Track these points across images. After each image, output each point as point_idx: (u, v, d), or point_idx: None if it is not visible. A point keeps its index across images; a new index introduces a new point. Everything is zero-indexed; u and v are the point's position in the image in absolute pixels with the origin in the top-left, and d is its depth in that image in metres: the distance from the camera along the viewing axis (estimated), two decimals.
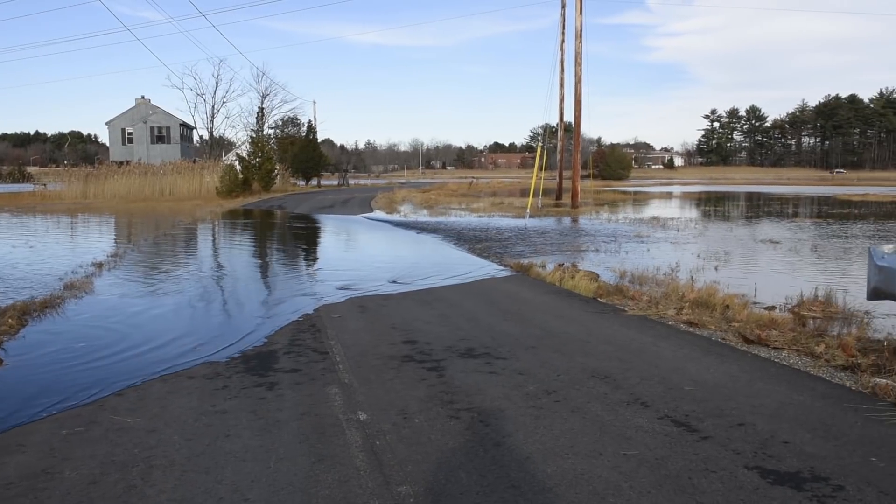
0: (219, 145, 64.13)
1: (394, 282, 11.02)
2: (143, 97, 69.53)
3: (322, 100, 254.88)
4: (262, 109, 58.71)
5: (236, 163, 44.96)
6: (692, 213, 30.97)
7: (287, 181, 59.09)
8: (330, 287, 10.54)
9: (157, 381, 5.82)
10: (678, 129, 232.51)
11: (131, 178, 42.68)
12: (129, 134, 69.03)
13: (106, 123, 70.11)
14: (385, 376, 5.87)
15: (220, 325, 8.04)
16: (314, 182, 65.99)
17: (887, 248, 6.53)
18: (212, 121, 60.81)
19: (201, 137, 66.70)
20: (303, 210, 31.53)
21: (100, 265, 12.90)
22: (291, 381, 5.77)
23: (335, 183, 70.76)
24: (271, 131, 68.97)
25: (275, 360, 6.40)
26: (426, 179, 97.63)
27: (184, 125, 69.92)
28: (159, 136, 69.19)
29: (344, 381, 5.74)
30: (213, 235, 20.77)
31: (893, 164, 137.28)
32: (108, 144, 73.09)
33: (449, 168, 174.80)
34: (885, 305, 8.27)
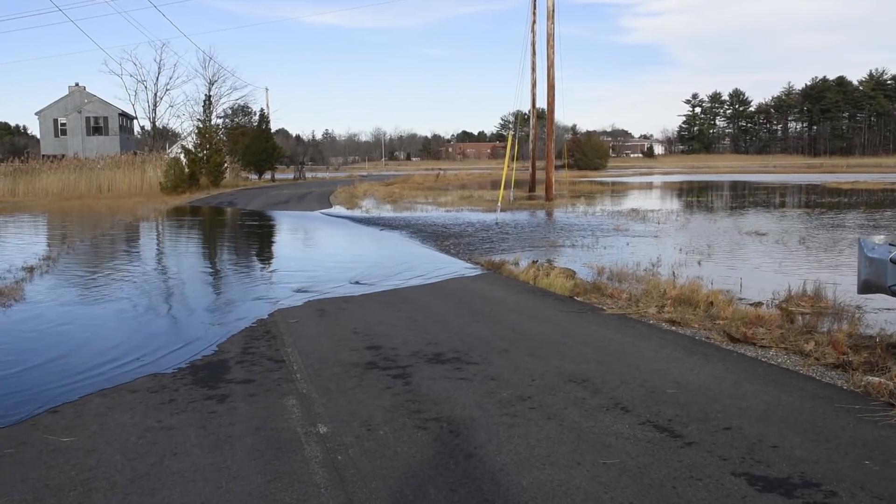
0: (162, 137, 63.19)
1: (356, 283, 11.01)
2: (77, 84, 68.25)
3: (275, 87, 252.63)
4: (209, 97, 57.92)
5: (182, 156, 44.34)
6: (673, 204, 31.35)
7: (238, 175, 58.53)
8: (286, 290, 10.48)
9: (96, 396, 5.72)
10: (658, 116, 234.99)
11: (65, 173, 41.93)
12: (63, 125, 67.75)
13: (36, 114, 68.69)
14: (347, 385, 5.84)
15: (166, 333, 7.94)
16: (268, 176, 65.40)
17: (878, 238, 6.66)
18: (154, 110, 59.84)
19: (143, 128, 65.59)
20: (256, 206, 31.24)
21: (31, 269, 12.65)
22: (245, 392, 5.71)
23: (291, 177, 70.23)
24: (220, 121, 68.17)
25: (226, 371, 6.33)
26: (390, 172, 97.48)
27: (123, 115, 68.78)
28: (96, 128, 67.98)
29: (302, 391, 5.71)
30: (158, 235, 20.49)
31: (884, 149, 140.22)
32: (38, 137, 71.62)
33: (414, 159, 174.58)
34: (877, 299, 8.45)
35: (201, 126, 50.45)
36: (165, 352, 7.04)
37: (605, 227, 19.52)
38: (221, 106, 65.15)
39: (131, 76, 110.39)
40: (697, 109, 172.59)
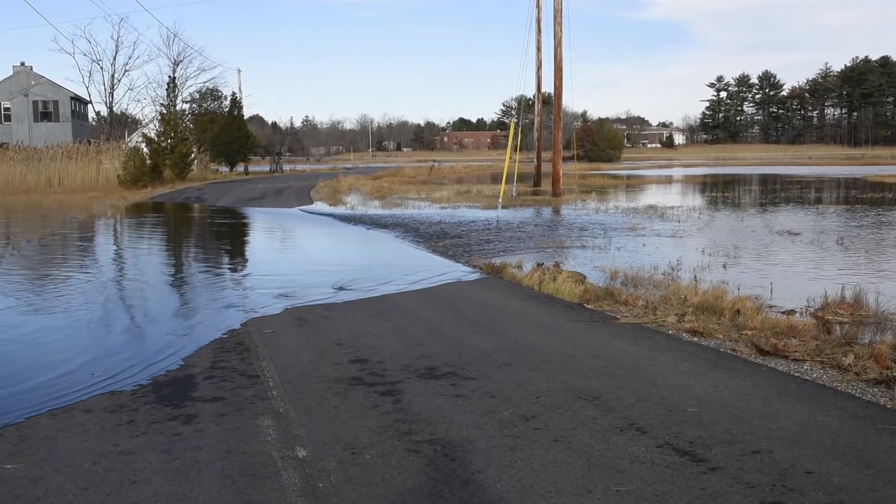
0: (121, 124, 63.14)
1: (340, 288, 11.03)
2: (23, 64, 68.08)
3: (249, 68, 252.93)
4: (173, 80, 57.98)
5: (143, 145, 44.32)
6: (696, 200, 31.44)
7: (206, 168, 58.51)
8: (261, 296, 10.49)
9: (45, 417, 5.71)
10: (678, 101, 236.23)
11: (9, 164, 41.84)
12: (6, 110, 67.58)
13: None
14: (329, 403, 5.85)
15: (126, 345, 7.93)
16: (240, 168, 65.40)
17: None
18: (111, 94, 59.85)
19: (98, 114, 65.59)
20: (227, 202, 31.22)
21: None
22: (214, 412, 5.71)
23: (266, 169, 70.18)
24: (186, 106, 68.22)
25: (193, 387, 6.33)
26: (378, 164, 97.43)
27: (76, 99, 68.65)
28: (44, 113, 67.83)
29: (279, 410, 5.71)
30: (116, 235, 20.46)
31: None
32: None
33: (405, 150, 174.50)
34: None
35: (165, 112, 50.47)
36: (124, 366, 7.02)
37: (619, 226, 19.57)
38: (188, 89, 65.20)
39: (85, 55, 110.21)
40: (723, 94, 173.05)
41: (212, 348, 7.65)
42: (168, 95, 56.88)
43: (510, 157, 26.33)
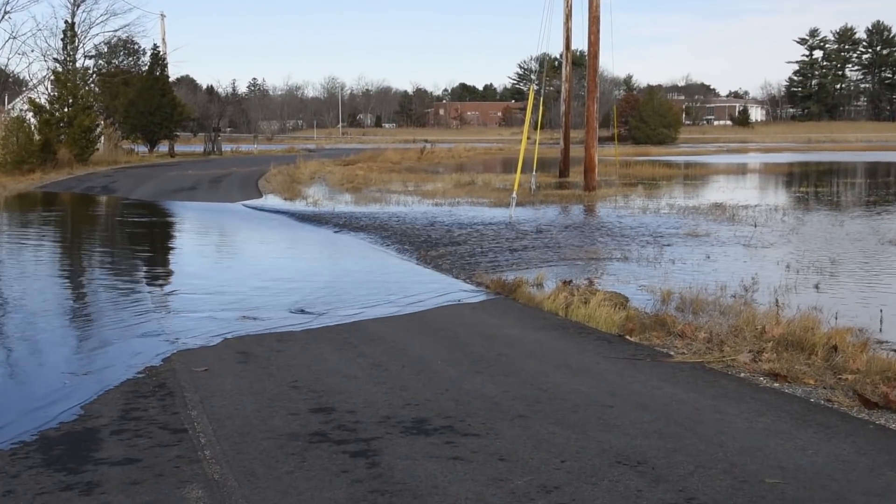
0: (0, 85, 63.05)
1: (298, 311, 11.06)
2: None
3: (176, 13, 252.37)
4: (72, 26, 57.78)
5: (30, 116, 44.25)
6: (778, 197, 31.46)
7: (117, 147, 58.38)
8: (191, 321, 10.47)
9: None
10: (756, 64, 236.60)
11: None
12: None
13: None
14: (281, 468, 5.84)
15: (2, 389, 7.90)
16: (164, 148, 65.31)
17: None
18: None
19: None
20: (145, 194, 31.17)
21: None
22: (124, 478, 5.69)
23: (199, 150, 70.10)
24: (90, 63, 68.03)
25: (96, 445, 6.30)
26: (350, 144, 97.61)
27: None
28: None
29: (213, 476, 5.69)
30: None
31: None
32: None
33: (387, 125, 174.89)
34: None
35: (60, 71, 50.27)
36: (1, 418, 7.00)
37: (674, 232, 19.61)
38: (92, 40, 65.07)
39: None
40: (817, 54, 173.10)
41: (122, 392, 7.62)
42: (65, 48, 56.60)
43: (528, 138, 26.33)
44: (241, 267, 15.68)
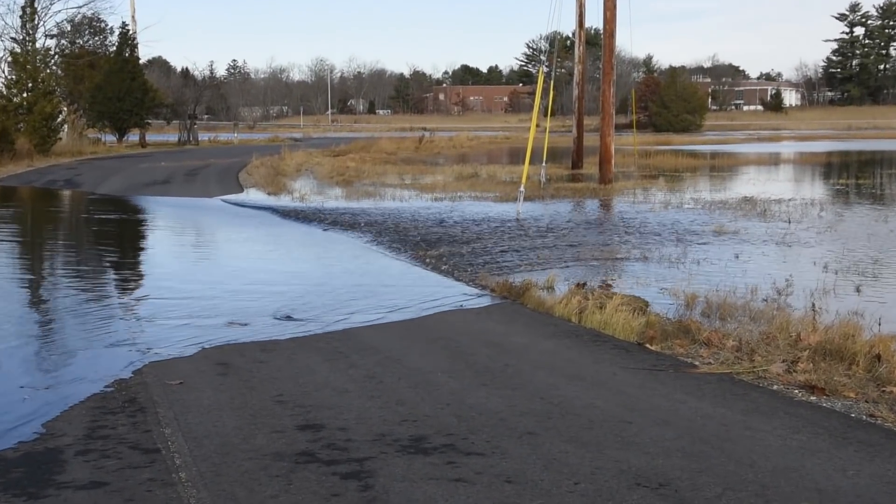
0: None
1: (285, 318, 11.04)
2: None
3: None
4: (31, 2, 57.59)
5: None
6: (815, 190, 31.51)
7: (83, 136, 58.28)
8: (165, 329, 10.44)
9: None
10: (790, 42, 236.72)
11: None
12: None
13: None
14: (266, 491, 5.80)
15: None
16: (134, 137, 65.36)
17: None
18: None
19: None
20: (113, 189, 31.23)
21: None
22: None
23: (173, 139, 70.22)
24: (52, 43, 68.06)
25: (59, 468, 6.25)
26: (341, 133, 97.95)
27: None
28: None
29: (189, 501, 5.66)
30: None
31: None
32: None
33: (381, 112, 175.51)
34: None
35: (18, 52, 50.21)
36: None
37: (699, 229, 19.61)
38: (54, 17, 65.16)
39: None
40: (858, 31, 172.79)
41: (88, 408, 7.55)
42: (23, 26, 56.38)
43: (537, 125, 26.30)
44: (221, 269, 15.66)
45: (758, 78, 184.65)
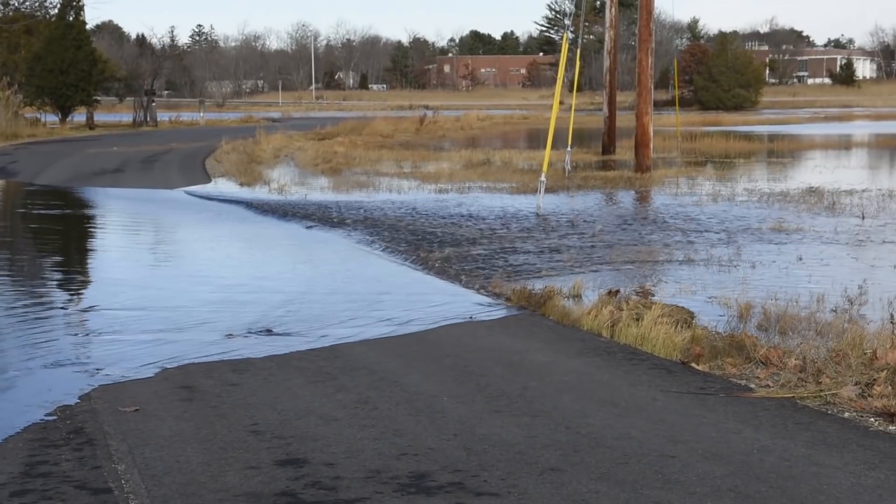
0: None
1: (264, 332, 11.05)
2: None
3: None
4: None
5: None
6: (893, 179, 31.45)
7: (18, 116, 58.30)
8: (118, 346, 10.43)
9: None
10: (863, 4, 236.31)
11: None
12: None
13: None
14: None
15: None
16: (80, 118, 65.47)
17: None
18: None
19: None
20: (56, 179, 31.39)
21: None
22: None
23: (128, 120, 70.33)
24: None
25: None
26: (327, 112, 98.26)
27: None
28: None
29: None
30: None
31: None
32: None
33: (376, 87, 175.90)
34: None
35: None
36: None
37: (755, 225, 19.63)
38: None
39: None
40: None
41: (26, 440, 7.53)
42: None
43: (561, 102, 26.28)
44: (184, 275, 15.62)
45: (825, 45, 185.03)
